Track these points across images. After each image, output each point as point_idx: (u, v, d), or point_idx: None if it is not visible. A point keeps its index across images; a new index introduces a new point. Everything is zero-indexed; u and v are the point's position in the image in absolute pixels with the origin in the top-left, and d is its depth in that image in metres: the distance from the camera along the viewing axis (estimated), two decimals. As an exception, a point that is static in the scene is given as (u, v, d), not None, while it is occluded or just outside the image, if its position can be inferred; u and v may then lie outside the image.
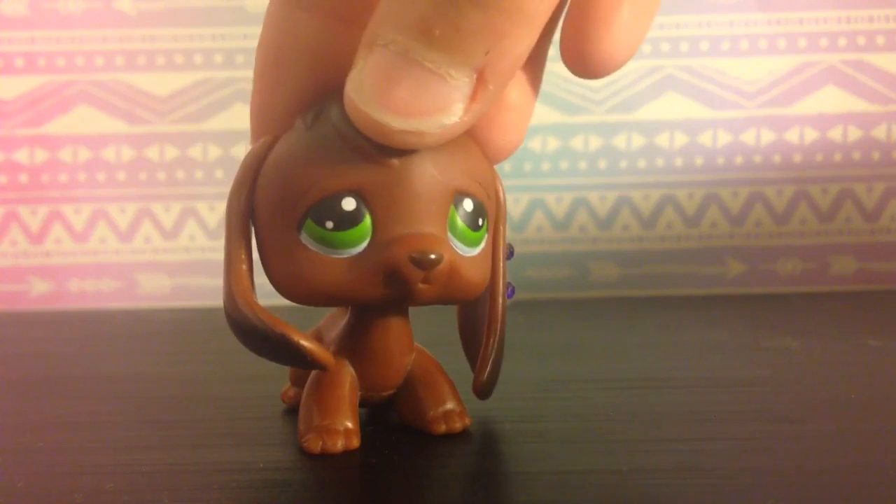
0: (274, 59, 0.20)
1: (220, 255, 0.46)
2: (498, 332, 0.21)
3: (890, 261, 0.49)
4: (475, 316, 0.22)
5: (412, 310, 0.21)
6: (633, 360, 0.31)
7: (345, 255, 0.18)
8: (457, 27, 0.15)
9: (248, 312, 0.19)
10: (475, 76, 0.16)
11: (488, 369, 0.21)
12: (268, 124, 0.20)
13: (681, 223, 0.48)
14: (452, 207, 0.18)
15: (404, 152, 0.18)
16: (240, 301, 0.19)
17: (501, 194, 0.21)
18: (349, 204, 0.18)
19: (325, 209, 0.18)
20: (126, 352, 0.35)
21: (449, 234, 0.18)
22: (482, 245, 0.19)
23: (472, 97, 0.16)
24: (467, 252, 0.19)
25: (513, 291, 0.21)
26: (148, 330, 0.40)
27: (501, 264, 0.21)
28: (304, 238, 0.18)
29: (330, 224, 0.18)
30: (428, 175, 0.18)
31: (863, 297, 0.45)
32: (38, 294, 0.48)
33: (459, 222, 0.18)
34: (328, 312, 0.24)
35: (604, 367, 0.30)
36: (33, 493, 0.18)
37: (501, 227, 0.21)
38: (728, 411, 0.23)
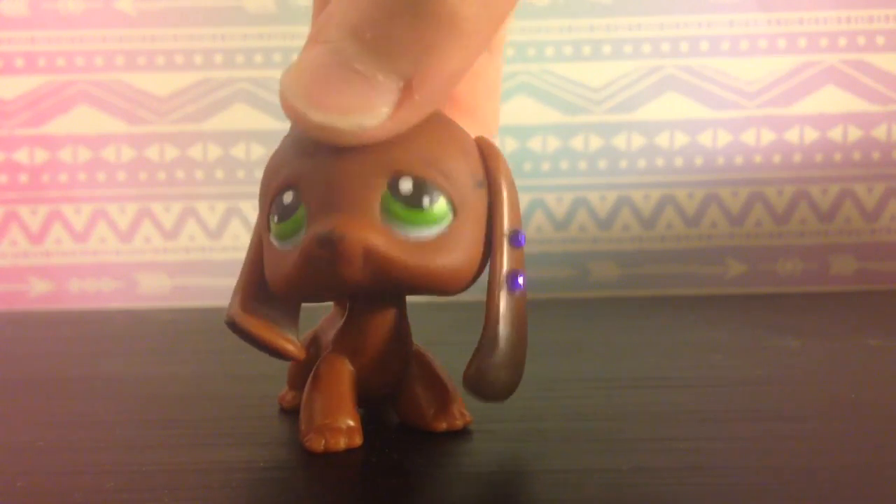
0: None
1: (220, 256, 0.47)
2: (491, 324, 0.20)
3: (890, 261, 0.49)
4: None
5: (413, 311, 0.21)
6: (633, 360, 0.31)
7: (290, 247, 0.19)
8: (388, 34, 0.16)
9: (230, 306, 0.21)
10: (402, 84, 0.17)
11: (475, 363, 0.20)
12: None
13: (681, 223, 0.48)
14: (386, 189, 0.18)
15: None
16: (231, 298, 0.21)
17: (503, 179, 0.20)
18: (288, 197, 0.19)
19: (275, 205, 0.19)
20: (126, 352, 0.35)
21: (384, 218, 0.18)
22: (439, 227, 0.19)
23: (399, 104, 0.17)
24: (412, 234, 0.18)
25: (518, 281, 0.20)
26: (148, 330, 0.40)
27: (501, 251, 0.20)
28: (271, 237, 0.19)
29: (275, 218, 0.19)
30: (356, 162, 0.18)
31: (863, 297, 0.45)
32: (37, 294, 0.48)
33: (392, 203, 0.18)
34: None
35: (604, 366, 0.30)
36: (33, 492, 0.18)
37: (501, 211, 0.20)
38: (728, 411, 0.23)
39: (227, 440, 0.22)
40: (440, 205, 0.19)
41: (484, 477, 0.19)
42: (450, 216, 0.19)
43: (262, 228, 0.20)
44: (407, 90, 0.17)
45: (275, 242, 0.19)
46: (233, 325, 0.20)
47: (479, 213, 0.19)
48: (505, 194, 0.20)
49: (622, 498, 0.17)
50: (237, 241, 0.47)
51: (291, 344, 0.21)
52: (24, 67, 0.47)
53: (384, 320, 0.20)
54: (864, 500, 0.17)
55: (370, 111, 0.17)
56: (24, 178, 0.47)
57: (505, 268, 0.20)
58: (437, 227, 0.19)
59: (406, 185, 0.18)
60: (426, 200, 0.18)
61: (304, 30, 0.48)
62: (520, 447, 0.21)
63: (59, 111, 0.47)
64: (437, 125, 0.19)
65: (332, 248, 0.17)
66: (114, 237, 0.48)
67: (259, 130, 0.47)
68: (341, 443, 0.20)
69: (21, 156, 0.47)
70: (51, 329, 0.41)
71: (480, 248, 0.20)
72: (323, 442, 0.20)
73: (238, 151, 0.47)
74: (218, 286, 0.48)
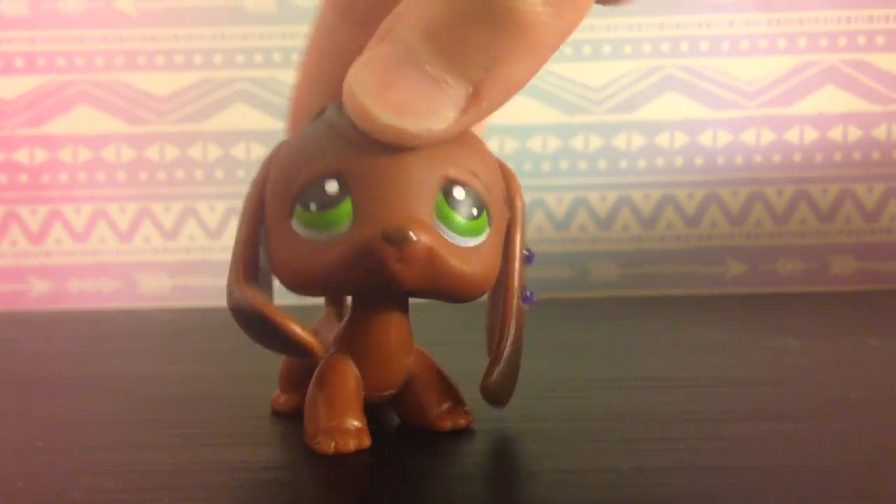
0: (315, 59, 0.21)
1: (220, 255, 0.47)
2: (511, 336, 0.21)
3: (890, 261, 0.49)
4: (496, 319, 0.22)
5: (413, 311, 0.21)
6: (633, 360, 0.31)
7: (328, 238, 0.18)
8: (461, 38, 0.16)
9: (235, 290, 0.20)
10: (471, 89, 0.17)
11: (497, 371, 0.20)
12: (303, 119, 0.21)
13: (681, 223, 0.48)
14: (441, 194, 0.18)
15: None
16: (231, 278, 0.20)
17: (519, 201, 0.21)
18: (332, 186, 0.18)
19: (311, 192, 0.18)
20: (126, 352, 0.35)
21: (436, 220, 0.18)
22: (480, 238, 0.19)
23: (465, 109, 0.17)
24: (459, 241, 0.19)
25: (531, 297, 0.21)
26: (148, 330, 0.40)
27: (516, 266, 0.21)
28: (294, 224, 0.19)
29: (314, 206, 0.18)
30: (412, 160, 0.18)
31: (863, 297, 0.45)
32: (38, 294, 0.48)
33: (447, 209, 0.18)
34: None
35: (604, 366, 0.30)
36: (33, 491, 0.18)
37: (517, 231, 0.21)
38: (728, 410, 0.23)
39: (227, 440, 0.22)
40: (483, 217, 0.19)
41: (485, 476, 0.19)
42: (488, 228, 0.19)
43: (273, 215, 0.19)
44: (475, 95, 0.17)
45: (301, 231, 0.19)
46: (250, 313, 0.19)
47: (503, 228, 0.20)
48: (520, 213, 0.21)
49: (622, 497, 0.17)
50: None
51: (314, 339, 0.20)
52: (23, 67, 0.47)
53: (388, 321, 0.20)
54: (864, 498, 0.17)
55: (438, 114, 0.17)
56: (24, 178, 0.47)
57: (520, 282, 0.21)
58: (480, 238, 0.19)
59: (459, 194, 0.19)
60: (475, 210, 0.19)
61: (304, 29, 0.48)
62: (521, 447, 0.21)
63: (59, 111, 0.47)
64: (471, 137, 0.20)
65: (403, 248, 0.17)
66: (114, 237, 0.48)
67: (259, 130, 0.47)
68: (351, 444, 0.20)
69: (21, 156, 0.47)
70: (51, 329, 0.41)
71: (499, 261, 0.20)
72: (333, 444, 0.20)
73: (238, 151, 0.47)
74: (218, 286, 0.46)
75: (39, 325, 0.42)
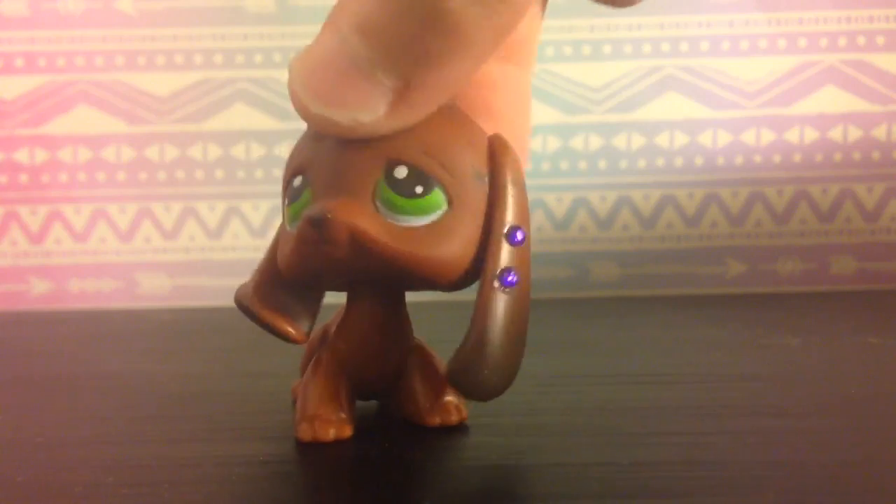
0: None
1: (220, 256, 0.47)
2: (478, 321, 0.19)
3: (890, 261, 0.49)
4: None
5: (414, 307, 0.21)
6: (633, 357, 0.31)
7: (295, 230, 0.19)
8: (393, 34, 0.16)
9: (242, 287, 0.21)
10: (401, 84, 0.17)
11: (459, 358, 0.19)
12: None
13: (681, 223, 0.48)
14: (381, 175, 0.18)
15: None
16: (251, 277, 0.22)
17: (506, 178, 0.20)
18: (297, 181, 0.19)
19: (288, 190, 0.20)
20: (126, 350, 0.35)
21: (377, 203, 0.18)
22: (431, 217, 0.19)
23: (394, 103, 0.17)
24: (402, 221, 0.18)
25: (510, 278, 0.19)
26: (148, 329, 0.41)
27: (496, 248, 0.19)
28: (285, 221, 0.20)
29: (287, 202, 0.20)
30: (358, 149, 0.18)
31: (863, 297, 0.46)
32: (38, 294, 0.48)
33: (385, 189, 0.18)
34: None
35: (603, 363, 0.30)
36: (33, 486, 0.18)
37: (498, 209, 0.20)
38: (727, 406, 0.23)
39: (227, 435, 0.22)
40: (434, 194, 0.19)
41: (481, 470, 0.19)
42: (444, 206, 0.19)
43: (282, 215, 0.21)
44: (405, 90, 0.17)
45: (287, 226, 0.20)
46: (239, 305, 0.21)
47: (477, 207, 0.19)
48: (509, 190, 0.20)
49: (620, 491, 0.17)
50: (237, 241, 0.47)
51: (292, 328, 0.21)
52: (24, 67, 0.47)
53: (381, 315, 0.21)
54: (863, 494, 0.17)
55: (366, 107, 0.17)
56: (24, 178, 0.48)
57: (500, 264, 0.19)
58: (429, 217, 0.19)
59: (400, 173, 0.18)
60: (419, 189, 0.18)
61: (304, 29, 0.48)
62: (518, 441, 0.21)
63: (60, 111, 0.47)
64: (445, 118, 0.19)
65: (320, 229, 0.18)
66: (114, 237, 0.48)
67: (259, 130, 0.47)
68: (330, 433, 0.20)
69: (21, 156, 0.48)
70: (51, 328, 0.41)
71: (476, 243, 0.19)
72: (312, 432, 0.20)
73: (238, 151, 0.47)
74: (218, 286, 0.48)
75: (40, 324, 0.42)
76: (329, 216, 0.18)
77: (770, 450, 0.20)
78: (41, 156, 0.47)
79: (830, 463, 0.19)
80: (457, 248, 0.19)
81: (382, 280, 0.20)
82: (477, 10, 0.15)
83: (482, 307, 0.19)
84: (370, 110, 0.17)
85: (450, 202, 0.19)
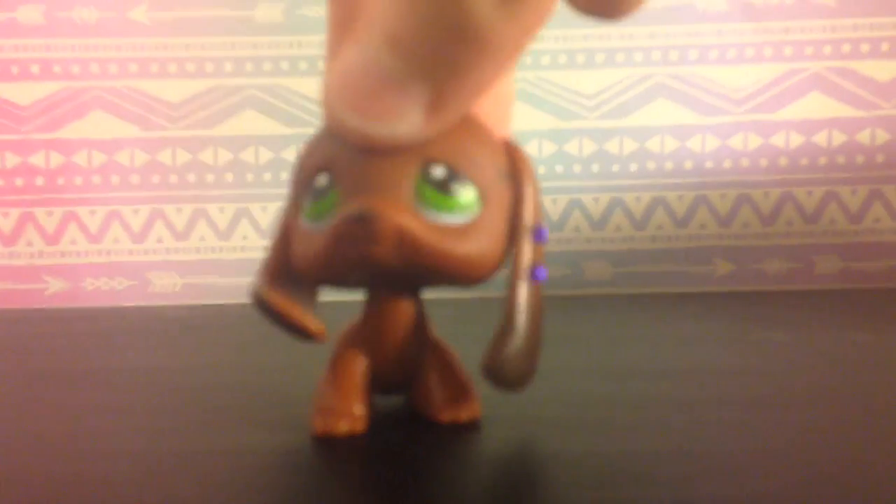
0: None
1: (229, 255, 0.49)
2: (511, 315, 0.20)
3: (872, 261, 0.49)
4: None
5: (432, 304, 0.21)
6: (625, 352, 0.31)
7: (321, 227, 0.19)
8: (423, 44, 0.16)
9: (255, 280, 0.21)
10: (435, 93, 0.17)
11: (493, 352, 0.19)
12: None
13: (671, 224, 0.48)
14: (419, 174, 0.18)
15: None
16: (259, 269, 0.21)
17: (526, 178, 0.20)
18: (322, 179, 0.19)
19: (309, 188, 0.19)
20: (139, 346, 0.35)
21: (416, 201, 0.18)
22: (470, 215, 0.19)
23: (429, 113, 0.17)
24: (443, 218, 0.18)
25: (539, 273, 0.20)
26: (160, 326, 0.40)
27: (524, 245, 0.20)
28: (303, 219, 0.20)
29: (310, 199, 0.19)
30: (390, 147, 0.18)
31: (846, 295, 0.45)
32: (53, 292, 0.48)
33: (425, 187, 0.18)
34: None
35: (597, 357, 0.30)
36: (52, 477, 0.18)
37: (524, 207, 0.20)
38: (715, 398, 0.24)
39: (237, 426, 0.22)
40: (469, 192, 0.19)
41: (481, 461, 0.19)
42: (477, 205, 0.19)
43: (290, 212, 0.20)
44: (437, 99, 0.17)
45: (306, 224, 0.19)
46: (259, 301, 0.21)
47: (503, 206, 0.20)
48: (529, 189, 0.20)
49: (614, 480, 0.17)
50: (246, 242, 0.47)
51: (313, 323, 0.21)
52: (39, 74, 0.47)
53: (401, 311, 0.21)
54: (846, 482, 0.17)
55: (403, 118, 0.17)
56: (40, 180, 0.48)
57: (530, 260, 0.20)
58: (466, 215, 0.19)
59: (438, 172, 0.18)
60: (457, 187, 0.18)
61: (311, 38, 0.48)
62: (515, 432, 0.21)
63: (75, 116, 0.47)
64: (464, 121, 0.19)
65: (366, 226, 0.17)
66: (127, 238, 0.48)
67: (267, 135, 0.47)
68: (341, 426, 0.20)
69: (37, 159, 0.48)
70: (66, 325, 0.41)
71: (504, 240, 0.20)
72: (324, 424, 0.20)
73: (247, 155, 0.48)
74: (227, 285, 0.48)
75: (55, 321, 0.42)
76: (377, 213, 0.17)
77: (759, 439, 0.20)
78: (56, 159, 0.48)
79: (815, 451, 0.19)
80: (489, 245, 0.19)
81: (412, 278, 0.19)
82: (501, 17, 0.15)
83: (516, 302, 0.20)
84: (407, 122, 0.17)
85: (483, 200, 0.19)
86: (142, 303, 0.48)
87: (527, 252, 0.20)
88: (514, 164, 0.20)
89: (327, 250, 0.18)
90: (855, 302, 0.44)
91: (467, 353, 0.22)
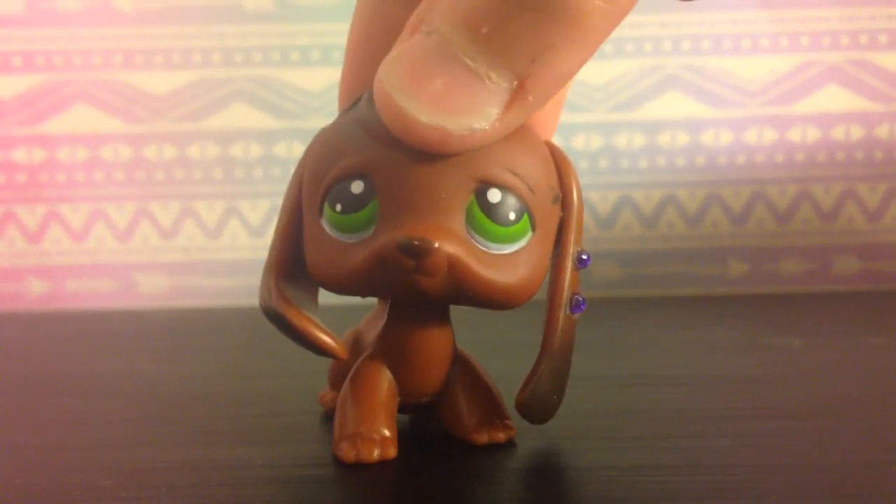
0: (359, 40, 0.20)
1: (219, 255, 0.47)
2: (553, 349, 0.19)
3: (892, 261, 0.49)
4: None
5: (457, 316, 0.20)
6: (635, 358, 0.31)
7: (354, 240, 0.18)
8: (505, 28, 0.15)
9: (263, 290, 0.19)
10: (516, 83, 0.15)
11: (532, 387, 0.19)
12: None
13: (682, 223, 0.48)
14: (473, 197, 0.17)
15: None
16: (264, 276, 0.19)
17: (574, 197, 0.19)
18: (357, 187, 0.17)
19: (337, 192, 0.18)
20: (124, 351, 0.35)
21: (467, 227, 0.17)
22: (520, 244, 0.18)
23: (509, 105, 0.16)
24: (493, 248, 0.17)
25: (581, 305, 0.19)
26: (146, 329, 0.41)
27: (567, 273, 0.19)
28: (324, 223, 0.18)
29: (339, 207, 0.18)
30: (442, 161, 0.17)
31: (865, 297, 0.46)
32: (36, 294, 0.48)
33: (479, 214, 0.17)
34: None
35: (603, 364, 0.30)
36: (31, 489, 0.18)
37: (571, 231, 0.19)
38: (730, 408, 0.24)
39: (226, 437, 0.22)
40: (524, 221, 0.18)
41: (482, 473, 0.19)
42: (530, 232, 0.18)
43: (307, 210, 0.19)
44: (520, 90, 0.15)
45: (331, 231, 0.18)
46: (273, 315, 0.19)
47: (551, 229, 0.19)
48: (575, 210, 0.19)
49: (624, 495, 0.17)
50: (236, 241, 0.47)
51: (335, 341, 0.19)
52: (21, 66, 0.47)
53: (427, 325, 0.20)
54: (866, 496, 0.17)
55: (481, 112, 0.16)
56: (21, 177, 0.47)
57: (571, 290, 0.19)
58: (518, 244, 0.18)
59: (494, 197, 0.17)
60: (512, 216, 0.17)
61: (303, 28, 0.47)
62: (521, 444, 0.21)
63: (57, 110, 0.47)
64: (521, 127, 0.18)
65: (419, 259, 0.16)
66: (112, 237, 0.48)
67: (258, 129, 0.47)
68: (374, 453, 0.19)
69: (19, 155, 0.47)
70: (49, 329, 0.41)
71: (547, 263, 0.19)
72: (355, 452, 0.19)
73: (237, 151, 0.47)
74: (216, 286, 0.47)
75: (37, 324, 0.42)
76: (430, 246, 0.16)
77: (773, 452, 0.20)
78: (39, 155, 0.47)
79: (833, 465, 0.19)
80: (534, 273, 0.18)
81: (449, 299, 0.18)
82: None
83: (554, 335, 0.19)
84: (484, 116, 0.16)
85: (534, 227, 0.18)
86: (127, 305, 0.48)
87: (570, 280, 0.19)
88: (562, 180, 0.19)
89: (368, 272, 0.17)
90: (874, 304, 0.44)
91: (501, 363, 0.22)
